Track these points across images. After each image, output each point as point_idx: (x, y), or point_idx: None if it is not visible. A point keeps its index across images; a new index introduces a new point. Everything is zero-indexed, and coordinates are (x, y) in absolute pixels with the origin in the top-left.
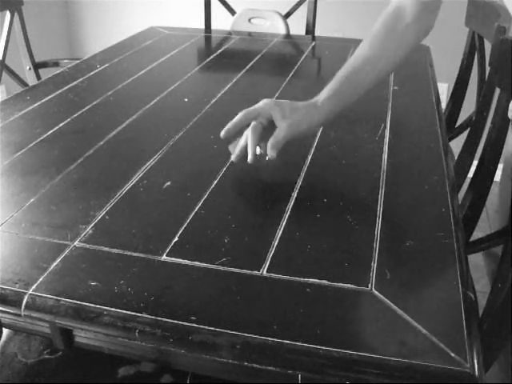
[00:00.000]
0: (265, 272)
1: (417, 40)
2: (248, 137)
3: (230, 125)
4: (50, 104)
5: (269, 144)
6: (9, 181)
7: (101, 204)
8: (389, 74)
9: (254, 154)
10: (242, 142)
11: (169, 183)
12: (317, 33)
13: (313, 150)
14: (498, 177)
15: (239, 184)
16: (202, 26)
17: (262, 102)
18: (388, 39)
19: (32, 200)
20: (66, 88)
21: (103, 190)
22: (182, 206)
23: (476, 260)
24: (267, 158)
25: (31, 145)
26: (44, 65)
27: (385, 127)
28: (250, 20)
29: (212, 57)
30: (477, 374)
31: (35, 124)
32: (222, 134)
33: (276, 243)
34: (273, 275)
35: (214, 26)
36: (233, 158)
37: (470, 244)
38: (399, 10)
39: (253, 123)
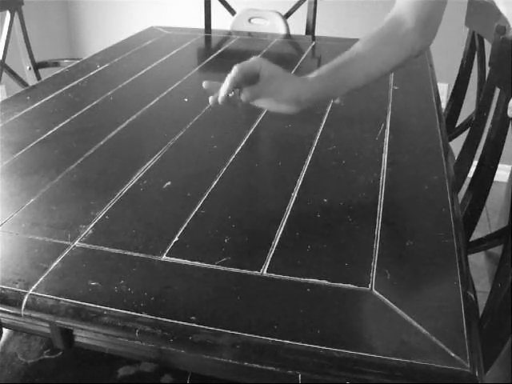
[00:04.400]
0: (265, 272)
1: (412, 51)
2: (226, 80)
3: (228, 81)
4: (49, 104)
5: (246, 89)
6: (9, 181)
7: (101, 204)
8: (381, 76)
9: (226, 95)
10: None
11: (169, 183)
12: (317, 33)
13: (313, 150)
14: (498, 177)
15: (239, 184)
16: (202, 26)
17: (255, 58)
18: (383, 42)
19: (32, 200)
20: (65, 88)
21: (103, 190)
22: (182, 206)
23: (476, 260)
24: (239, 103)
25: (31, 145)
26: (44, 65)
27: (385, 127)
28: (249, 20)
29: (212, 57)
30: (477, 374)
31: (35, 124)
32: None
33: (276, 243)
34: (273, 275)
35: (214, 26)
36: (210, 100)
37: (470, 244)
38: (396, 19)
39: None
